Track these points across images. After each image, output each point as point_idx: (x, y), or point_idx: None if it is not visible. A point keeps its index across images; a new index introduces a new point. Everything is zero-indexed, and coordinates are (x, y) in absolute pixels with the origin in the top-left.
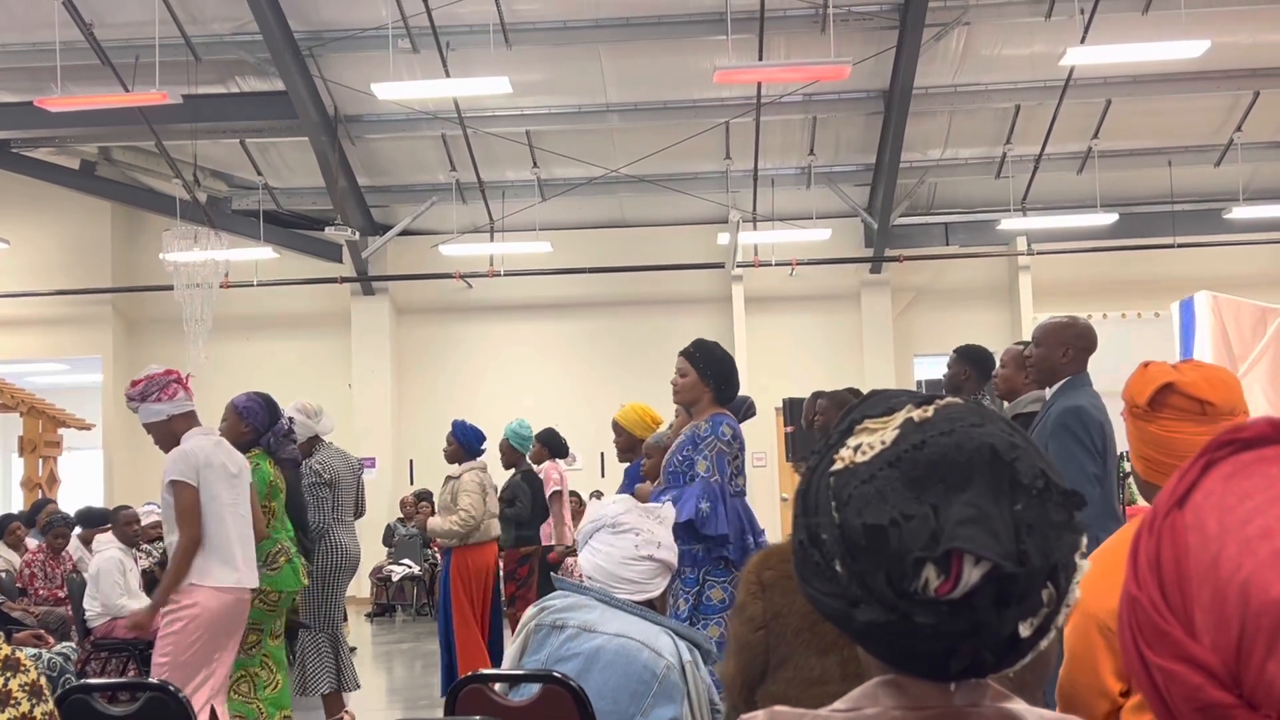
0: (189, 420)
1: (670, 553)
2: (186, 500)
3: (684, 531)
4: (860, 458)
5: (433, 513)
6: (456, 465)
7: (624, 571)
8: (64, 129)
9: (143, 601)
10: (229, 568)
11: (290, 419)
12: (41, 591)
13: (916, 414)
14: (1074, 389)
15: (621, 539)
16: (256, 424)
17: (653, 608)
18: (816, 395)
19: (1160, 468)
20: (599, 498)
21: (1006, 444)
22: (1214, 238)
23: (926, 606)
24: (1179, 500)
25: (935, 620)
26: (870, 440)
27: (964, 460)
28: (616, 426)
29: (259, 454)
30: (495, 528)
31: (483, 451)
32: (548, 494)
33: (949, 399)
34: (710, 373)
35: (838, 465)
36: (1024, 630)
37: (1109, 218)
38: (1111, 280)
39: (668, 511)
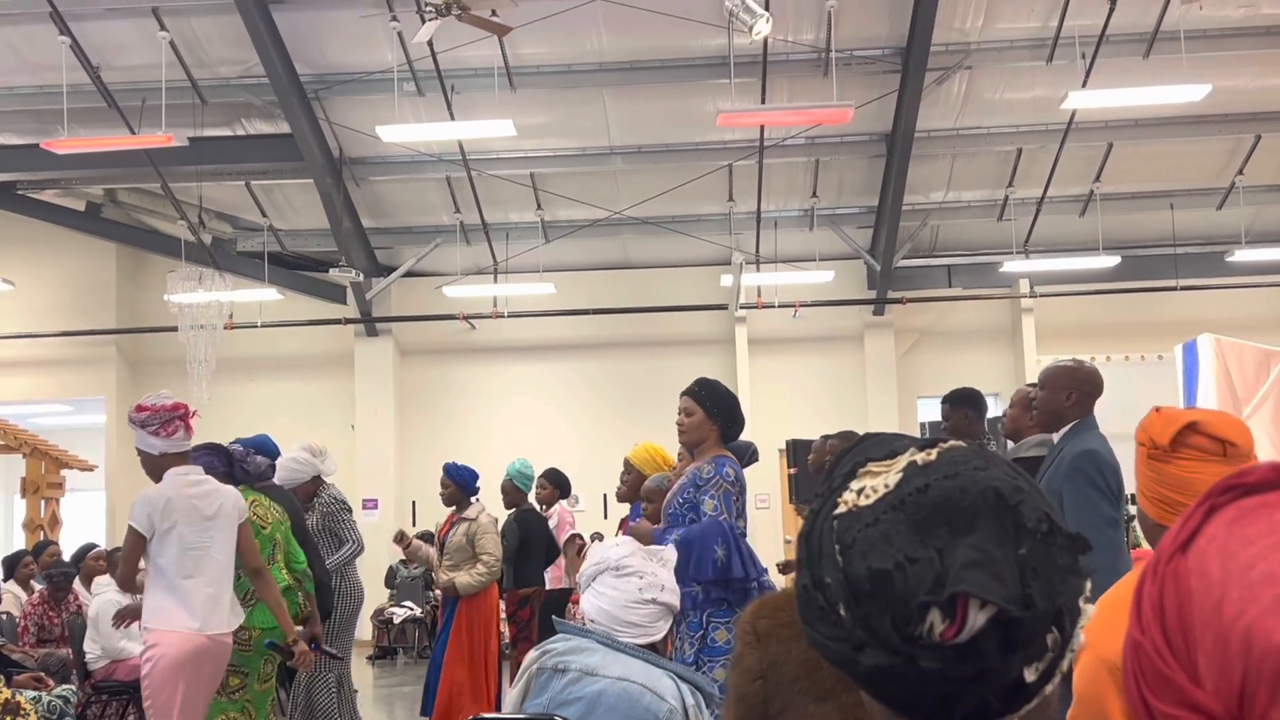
0: (179, 460)
1: (673, 596)
2: (128, 545)
3: (682, 574)
4: (864, 501)
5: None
6: (455, 507)
7: (627, 615)
8: (70, 171)
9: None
10: (186, 613)
11: (247, 450)
12: (30, 644)
13: (920, 457)
14: (1083, 432)
15: (625, 582)
16: (220, 472)
17: (655, 650)
18: (826, 438)
19: (1177, 510)
20: (600, 539)
21: (1011, 487)
22: (1216, 280)
23: (932, 651)
24: (1182, 545)
25: (941, 665)
26: (874, 483)
27: (968, 503)
28: (627, 464)
29: (245, 491)
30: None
31: (478, 490)
32: (563, 537)
33: (952, 442)
34: (716, 410)
35: (841, 509)
36: (1029, 675)
37: (1111, 260)
38: (1114, 323)
39: (670, 554)
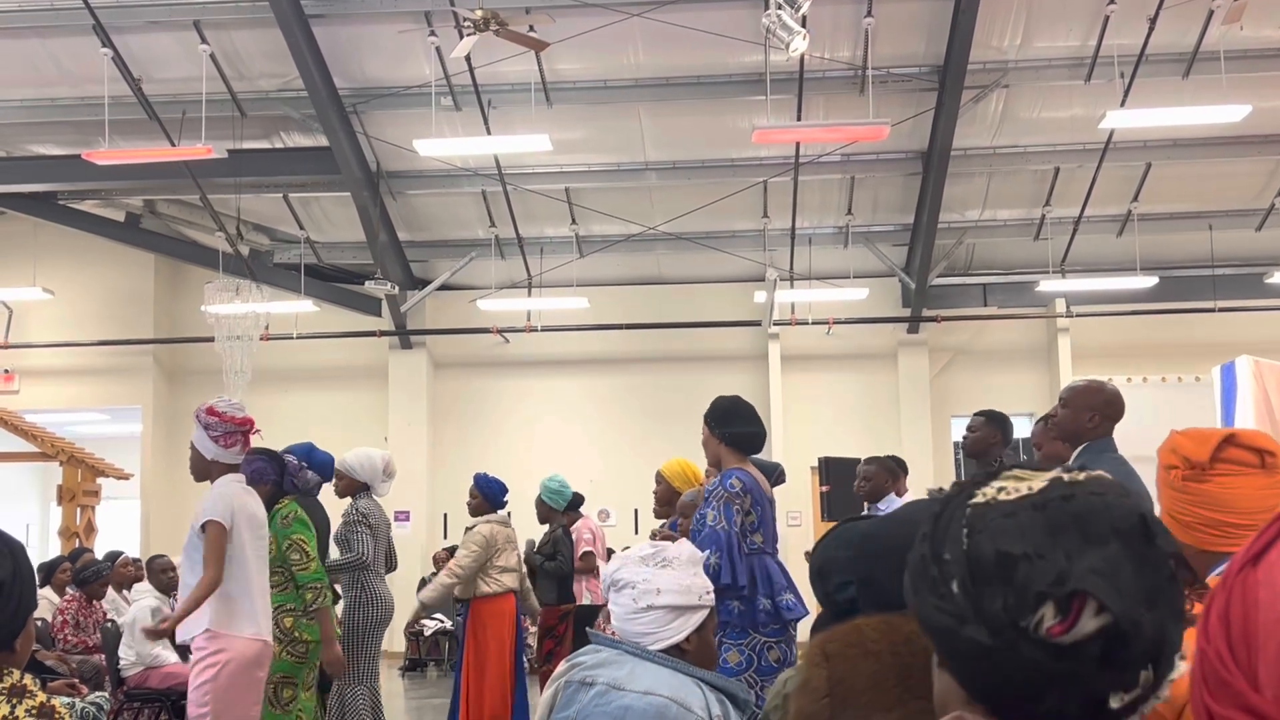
0: (229, 469)
1: (677, 595)
2: (217, 540)
3: None
4: (1003, 496)
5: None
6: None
7: (633, 626)
8: (110, 182)
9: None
10: (249, 618)
11: (298, 458)
12: (71, 639)
13: (1068, 476)
14: (1096, 454)
15: (621, 595)
16: (270, 480)
17: (683, 652)
18: (868, 461)
19: (1222, 530)
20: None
21: (1154, 518)
22: (1255, 302)
23: (1034, 642)
24: (1254, 558)
25: (1038, 657)
26: (1017, 485)
27: (1109, 520)
28: (658, 476)
29: (289, 502)
30: (509, 580)
31: (505, 504)
32: (579, 553)
33: (1101, 472)
34: (714, 423)
35: (978, 499)
36: (1114, 702)
37: (1149, 281)
38: (1151, 344)
39: (674, 551)
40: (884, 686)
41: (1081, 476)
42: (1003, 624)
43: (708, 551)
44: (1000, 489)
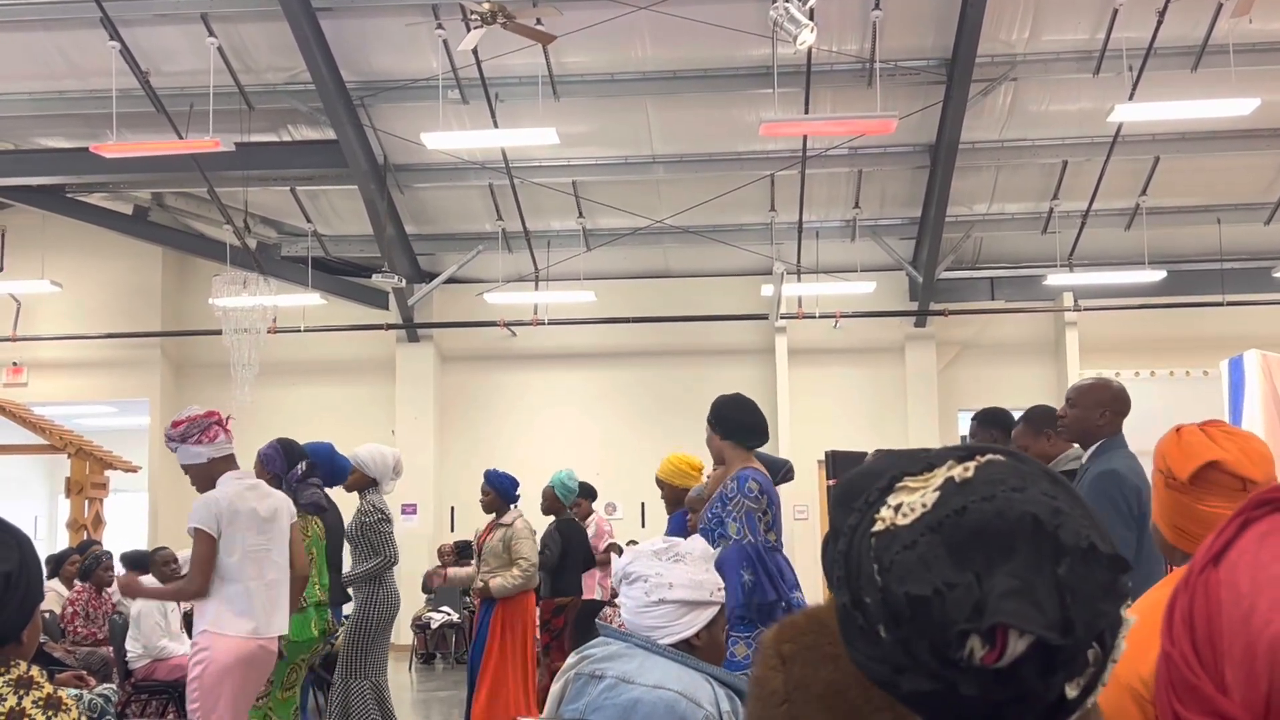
0: (227, 463)
1: (689, 589)
2: (200, 549)
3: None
4: (901, 520)
5: (461, 563)
6: (494, 514)
7: (643, 620)
8: (118, 175)
9: (184, 643)
10: (245, 617)
11: (305, 465)
12: (81, 631)
13: (957, 472)
14: (1110, 451)
15: (633, 589)
16: (274, 470)
17: (692, 647)
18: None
19: (1192, 538)
20: (634, 545)
21: (1049, 510)
22: (1264, 296)
23: (972, 675)
24: (1214, 558)
25: (980, 690)
26: (911, 501)
27: (1005, 529)
28: (659, 483)
29: None
30: (536, 576)
31: (518, 498)
32: (601, 547)
33: (990, 455)
34: (719, 425)
35: (879, 526)
36: (1071, 691)
37: (1157, 274)
38: (1159, 338)
39: (688, 546)
40: (844, 693)
41: (972, 472)
42: (935, 666)
43: (737, 574)
44: (898, 508)
